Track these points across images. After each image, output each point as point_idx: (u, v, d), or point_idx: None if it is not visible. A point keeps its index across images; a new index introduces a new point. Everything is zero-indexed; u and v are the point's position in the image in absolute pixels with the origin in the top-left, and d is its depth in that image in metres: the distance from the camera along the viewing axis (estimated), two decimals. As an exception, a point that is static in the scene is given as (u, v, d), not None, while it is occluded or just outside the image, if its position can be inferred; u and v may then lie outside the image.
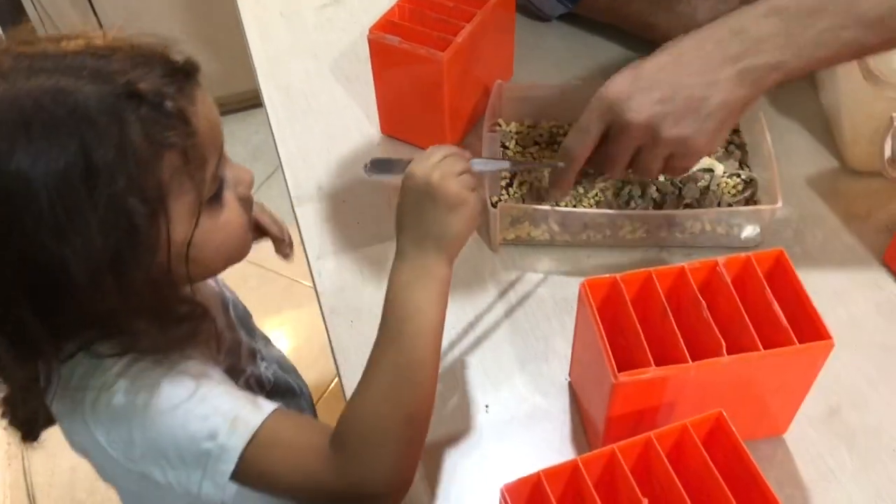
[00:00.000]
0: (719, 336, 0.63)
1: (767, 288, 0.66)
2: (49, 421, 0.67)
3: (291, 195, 0.94)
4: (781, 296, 0.66)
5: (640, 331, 0.64)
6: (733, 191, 0.88)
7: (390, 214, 0.89)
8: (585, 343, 0.70)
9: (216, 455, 0.59)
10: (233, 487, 0.61)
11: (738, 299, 0.66)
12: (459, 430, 0.74)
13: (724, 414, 0.59)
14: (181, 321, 0.62)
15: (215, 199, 0.62)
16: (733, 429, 0.58)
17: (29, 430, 0.68)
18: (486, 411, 0.75)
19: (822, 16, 0.70)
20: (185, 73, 0.60)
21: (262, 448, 0.60)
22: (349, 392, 0.76)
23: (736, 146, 0.92)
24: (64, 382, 0.61)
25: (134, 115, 0.55)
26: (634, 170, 0.76)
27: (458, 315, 0.82)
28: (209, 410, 0.60)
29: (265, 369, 0.86)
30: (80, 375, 0.61)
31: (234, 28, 1.18)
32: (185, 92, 0.59)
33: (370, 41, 0.89)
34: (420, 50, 0.86)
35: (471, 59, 0.90)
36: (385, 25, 0.89)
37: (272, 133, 0.99)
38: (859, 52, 0.73)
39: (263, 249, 2.18)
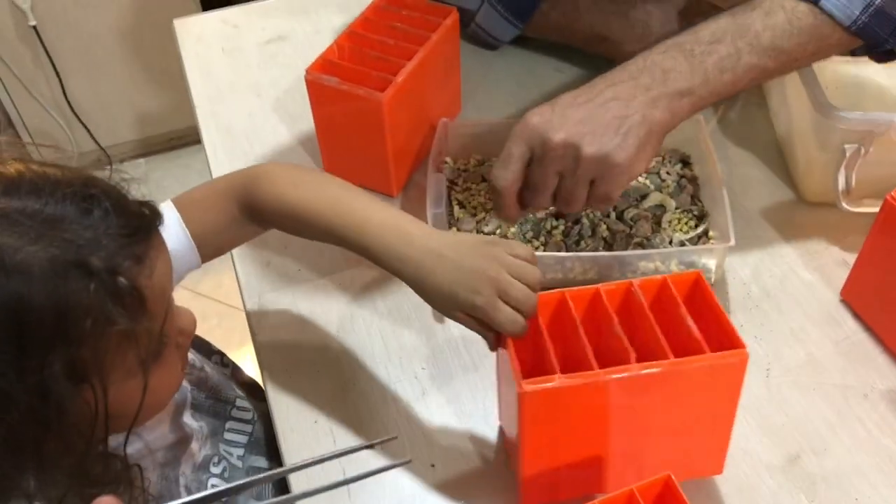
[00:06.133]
0: (629, 347, 0.60)
1: (682, 305, 0.64)
2: None
3: (231, 241, 0.90)
4: (699, 315, 0.64)
5: (551, 346, 0.61)
6: (685, 227, 0.85)
7: (332, 260, 0.87)
8: (503, 374, 0.66)
9: None
10: None
11: (651, 317, 0.63)
12: (406, 495, 0.70)
13: (673, 477, 0.56)
14: (98, 484, 0.55)
15: (155, 356, 0.56)
16: (681, 491, 0.55)
17: None
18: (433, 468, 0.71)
19: (720, 44, 0.76)
20: (144, 233, 0.54)
21: None
22: (287, 455, 0.73)
23: (688, 180, 0.90)
24: None
25: (81, 286, 0.49)
26: (560, 202, 0.76)
27: (399, 367, 0.78)
28: None
29: (218, 472, 0.77)
30: None
31: (178, 63, 1.15)
32: (141, 262, 0.53)
33: (307, 82, 0.85)
34: (359, 90, 0.83)
35: (413, 97, 0.88)
36: (323, 65, 0.86)
37: (211, 175, 0.95)
38: (762, 75, 0.78)
39: (224, 286, 2.12)
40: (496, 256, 0.64)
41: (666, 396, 0.62)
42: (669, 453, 0.65)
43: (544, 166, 0.75)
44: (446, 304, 0.64)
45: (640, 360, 0.60)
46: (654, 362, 0.60)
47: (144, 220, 0.55)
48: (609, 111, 0.74)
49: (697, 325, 0.62)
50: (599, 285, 0.65)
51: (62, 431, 0.50)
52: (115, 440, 0.58)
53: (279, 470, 0.59)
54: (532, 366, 0.62)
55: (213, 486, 0.73)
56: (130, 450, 0.61)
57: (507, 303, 0.62)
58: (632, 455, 0.66)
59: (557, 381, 0.58)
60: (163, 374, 0.58)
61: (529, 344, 0.63)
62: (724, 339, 0.62)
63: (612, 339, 0.62)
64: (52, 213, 0.49)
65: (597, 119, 0.74)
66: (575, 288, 0.65)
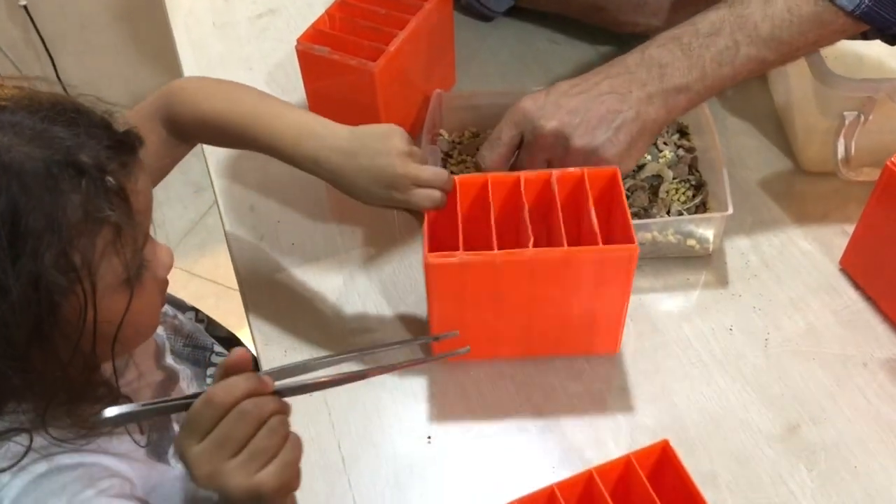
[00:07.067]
0: (530, 233, 0.66)
1: (591, 200, 0.69)
2: None
3: (223, 215, 0.89)
4: (607, 210, 0.71)
5: (461, 226, 0.68)
6: (683, 198, 0.84)
7: (329, 234, 0.86)
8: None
9: None
10: None
11: (559, 208, 0.69)
12: (402, 468, 0.69)
13: (670, 444, 0.55)
14: (92, 403, 0.57)
15: (137, 276, 0.58)
16: (680, 459, 0.55)
17: None
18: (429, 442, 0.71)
19: (718, 37, 0.74)
20: (129, 147, 0.57)
21: None
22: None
23: (685, 150, 0.88)
24: None
25: (72, 186, 0.51)
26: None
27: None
28: None
29: None
30: None
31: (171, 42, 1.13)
32: (127, 168, 0.56)
33: (298, 52, 0.84)
34: (350, 61, 0.81)
35: (406, 68, 0.86)
36: (314, 35, 0.85)
37: (202, 152, 0.94)
38: (761, 67, 0.76)
39: (221, 266, 2.12)
40: (399, 150, 0.70)
41: (560, 280, 0.68)
42: (566, 329, 0.72)
43: (532, 153, 0.75)
44: (364, 198, 0.71)
45: (545, 244, 0.68)
46: (548, 248, 0.66)
47: (128, 137, 0.57)
48: (604, 104, 0.74)
49: (606, 220, 0.69)
50: (521, 173, 0.72)
51: (52, 329, 0.52)
52: (109, 370, 0.61)
53: (348, 352, 0.65)
54: (448, 242, 0.68)
55: None
56: (125, 378, 0.63)
57: (421, 186, 0.69)
58: (531, 326, 0.72)
59: (458, 257, 0.66)
60: (144, 299, 0.59)
61: (448, 222, 0.70)
62: (625, 233, 0.67)
63: (522, 225, 0.69)
64: (41, 122, 0.52)
65: (590, 111, 0.73)
66: (498, 174, 0.72)
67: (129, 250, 0.55)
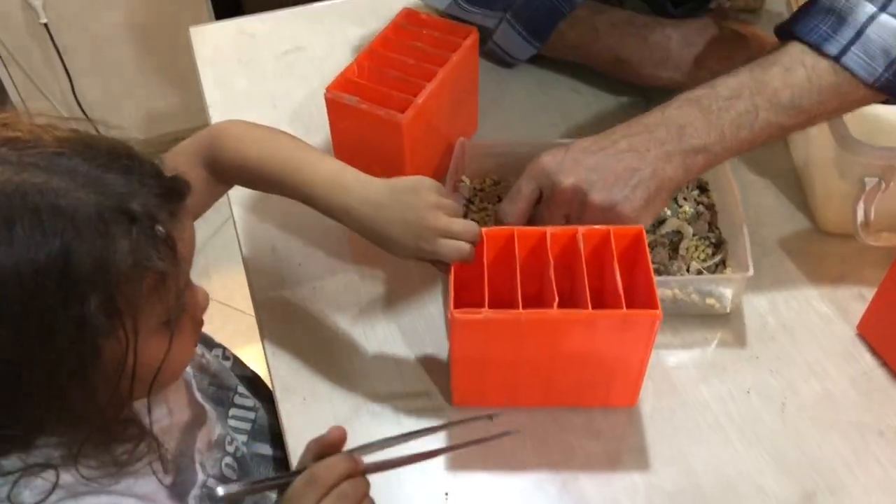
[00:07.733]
0: (555, 291, 0.67)
1: (616, 259, 0.70)
2: None
3: (244, 256, 0.90)
4: (632, 268, 0.73)
5: (487, 282, 0.69)
6: (703, 255, 0.85)
7: (349, 279, 0.87)
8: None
9: None
10: None
11: (584, 266, 0.70)
12: (416, 519, 0.70)
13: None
14: (123, 442, 0.58)
15: (175, 323, 0.59)
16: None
17: None
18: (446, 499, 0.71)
19: (738, 100, 0.75)
20: (178, 194, 0.58)
21: None
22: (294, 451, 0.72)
23: (705, 207, 0.89)
24: None
25: (122, 232, 0.53)
26: None
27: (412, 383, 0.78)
28: None
29: (231, 452, 0.79)
30: None
31: (188, 63, 1.14)
32: (175, 216, 0.57)
33: (327, 100, 0.85)
34: (379, 111, 0.82)
35: (433, 118, 0.87)
36: (343, 83, 0.85)
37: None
38: (779, 132, 0.77)
39: (228, 287, 2.11)
40: (429, 203, 0.71)
41: (582, 339, 0.69)
42: (586, 383, 0.74)
43: (551, 208, 0.77)
44: (393, 250, 0.72)
45: (569, 301, 0.70)
46: (571, 310, 0.67)
47: (177, 184, 0.59)
48: (622, 162, 0.75)
49: (629, 277, 0.71)
50: (548, 228, 0.73)
51: (93, 371, 0.53)
52: (139, 404, 0.61)
53: (417, 431, 0.67)
54: (473, 293, 0.69)
55: (226, 465, 0.75)
56: (155, 414, 0.64)
57: (451, 237, 0.70)
58: (550, 379, 0.73)
59: (483, 314, 0.67)
60: (180, 341, 0.60)
61: (475, 275, 0.71)
62: (648, 296, 0.68)
63: (546, 281, 0.70)
64: (96, 168, 0.54)
65: (608, 168, 0.75)
66: (525, 227, 0.74)
67: (172, 296, 0.56)
